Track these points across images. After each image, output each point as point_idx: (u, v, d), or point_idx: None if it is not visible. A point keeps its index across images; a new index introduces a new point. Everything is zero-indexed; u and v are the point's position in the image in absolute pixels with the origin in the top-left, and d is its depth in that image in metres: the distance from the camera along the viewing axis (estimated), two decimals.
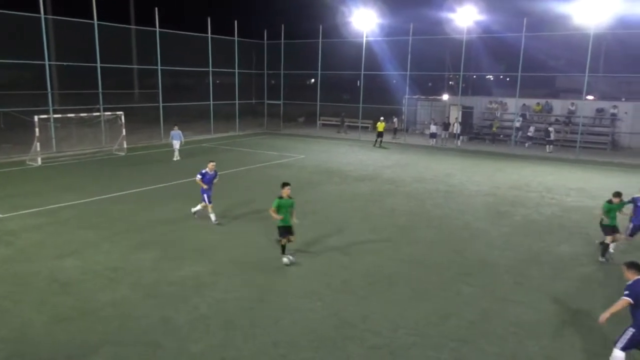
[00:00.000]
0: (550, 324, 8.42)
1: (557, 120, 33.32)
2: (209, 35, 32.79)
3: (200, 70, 34.19)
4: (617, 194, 11.50)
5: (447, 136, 33.02)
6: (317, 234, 12.95)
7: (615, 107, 32.19)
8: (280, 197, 10.67)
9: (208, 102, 34.11)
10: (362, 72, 34.99)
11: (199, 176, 13.44)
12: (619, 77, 39.10)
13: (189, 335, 7.84)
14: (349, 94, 44.32)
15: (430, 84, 47.96)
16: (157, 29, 29.42)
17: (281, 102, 39.57)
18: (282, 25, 37.49)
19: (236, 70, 35.89)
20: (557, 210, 15.86)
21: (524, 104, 34.28)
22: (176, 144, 24.20)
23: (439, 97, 40.20)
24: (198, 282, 9.79)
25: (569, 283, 10.14)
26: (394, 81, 40.00)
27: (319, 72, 36.69)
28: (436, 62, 38.44)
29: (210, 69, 33.56)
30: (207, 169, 13.53)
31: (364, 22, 34.71)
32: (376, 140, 30.87)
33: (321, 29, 35.87)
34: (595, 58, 31.82)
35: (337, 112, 40.21)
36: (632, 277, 6.76)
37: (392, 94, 40.23)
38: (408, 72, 33.91)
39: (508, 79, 40.43)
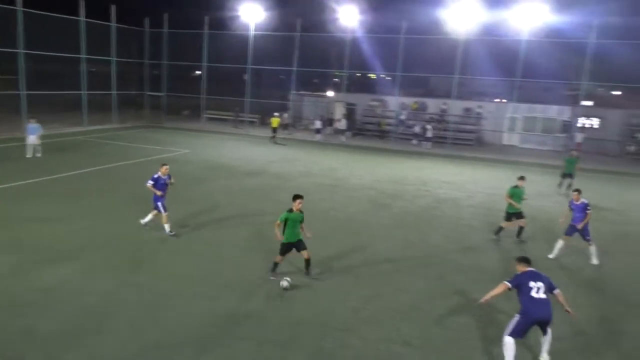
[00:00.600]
0: (426, 307, 9.04)
1: (431, 118, 35.91)
2: (83, 18, 30.23)
3: (72, 57, 31.37)
4: (522, 177, 13.00)
5: (332, 132, 33.98)
6: (202, 230, 12.61)
7: (480, 106, 35.54)
8: (290, 211, 9.64)
9: (80, 92, 31.45)
10: (249, 66, 34.72)
11: (150, 182, 12.01)
12: (484, 79, 43.09)
13: (57, 345, 7.18)
14: (235, 87, 43.68)
15: (316, 81, 48.95)
16: (19, 8, 26.39)
17: (164, 94, 37.83)
18: (166, 14, 35.85)
19: (113, 59, 33.57)
20: (431, 202, 17.09)
21: (402, 102, 36.44)
22: (33, 139, 21.23)
23: (324, 94, 41.20)
24: (66, 287, 9.00)
25: (442, 268, 10.97)
26: (282, 76, 40.25)
27: (205, 64, 35.71)
28: (322, 60, 39.35)
29: (83, 55, 30.97)
30: (160, 173, 12.11)
31: (251, 15, 34.40)
32: (273, 137, 30.75)
33: (207, 20, 34.89)
34: (465, 61, 34.75)
35: (222, 105, 39.42)
36: (522, 269, 7.40)
37: (279, 89, 40.42)
38: (295, 68, 34.30)
39: (389, 78, 42.65)
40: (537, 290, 7.05)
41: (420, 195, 18.10)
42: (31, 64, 30.20)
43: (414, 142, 33.06)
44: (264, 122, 37.71)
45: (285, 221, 9.59)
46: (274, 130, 30.76)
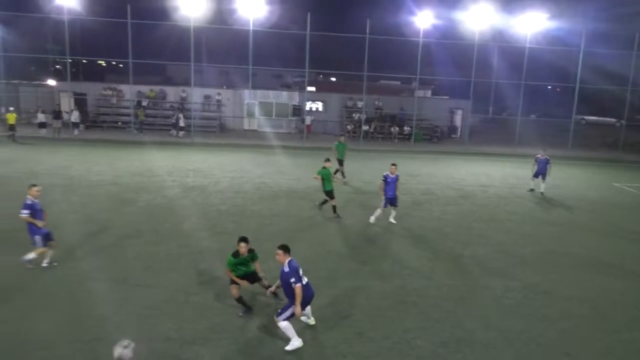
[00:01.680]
0: (179, 297, 8.96)
1: (171, 106, 35.23)
2: None
3: None
4: (327, 160, 14.67)
5: (60, 125, 30.09)
6: None
7: (219, 94, 36.42)
8: (236, 255, 8.26)
9: None
10: None
11: (25, 212, 9.41)
12: (220, 67, 44.21)
13: None
14: None
15: (32, 68, 42.54)
16: None
17: None
18: None
19: None
20: (179, 192, 16.87)
21: (139, 91, 34.70)
22: None
23: (44, 83, 36.15)
24: None
25: (195, 256, 10.98)
26: None
27: None
28: (34, 44, 34.29)
29: None
30: (31, 197, 9.56)
31: None
32: (12, 134, 26.06)
33: None
34: (198, 50, 34.94)
35: None
36: (284, 259, 7.38)
37: None
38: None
39: (121, 65, 39.99)
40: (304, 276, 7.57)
41: (167, 186, 17.69)
42: None
43: (173, 132, 31.89)
44: None
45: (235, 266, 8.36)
46: (12, 127, 26.21)
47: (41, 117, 29.30)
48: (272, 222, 13.80)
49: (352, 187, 18.83)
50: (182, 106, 34.65)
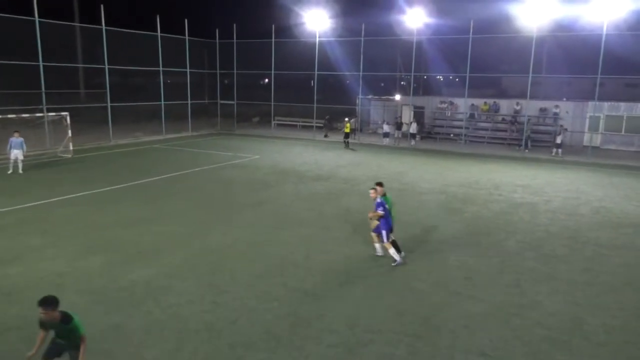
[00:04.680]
0: (499, 315, 8.73)
1: (503, 119, 34.63)
2: (159, 33, 32.00)
3: (150, 70, 33.31)
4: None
5: (399, 135, 33.57)
6: (271, 233, 12.91)
7: (557, 106, 33.75)
8: None
9: (159, 102, 33.28)
10: (316, 72, 35.12)
11: (380, 209, 10.66)
12: (560, 77, 40.93)
13: (142, 341, 7.63)
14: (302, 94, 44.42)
15: (382, 84, 48.68)
16: (103, 27, 28.44)
17: (234, 102, 39.16)
18: (234, 25, 37.14)
19: (187, 70, 35.20)
20: (506, 207, 16.44)
21: (472, 104, 35.40)
22: (16, 154, 19.92)
23: (391, 97, 40.87)
24: (150, 286, 9.54)
25: (515, 275, 10.53)
26: (347, 81, 40.40)
27: (272, 72, 36.53)
28: (388, 63, 39.13)
29: (161, 68, 32.73)
30: (376, 195, 10.91)
31: (317, 23, 34.84)
32: (345, 142, 30.98)
33: (274, 29, 35.73)
34: (538, 59, 33.23)
35: (291, 112, 40.19)
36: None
37: (345, 94, 40.61)
38: (361, 73, 34.29)
39: (457, 80, 41.61)
40: None
41: (493, 199, 17.48)
42: (116, 78, 32.29)
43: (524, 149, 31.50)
44: (332, 128, 38.07)
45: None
46: (347, 135, 31.00)
47: (386, 128, 33.23)
48: (612, 254, 11.96)
49: None
50: (514, 119, 33.63)
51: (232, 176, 20.61)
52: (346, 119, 31.84)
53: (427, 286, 9.91)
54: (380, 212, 10.61)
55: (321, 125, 37.25)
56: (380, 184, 11.02)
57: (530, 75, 29.18)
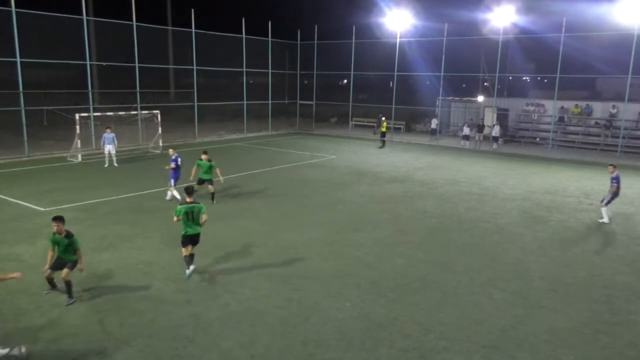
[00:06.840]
0: (585, 332, 8.17)
1: (596, 123, 32.32)
2: (244, 35, 33.16)
3: (234, 71, 34.61)
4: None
5: (481, 138, 32.32)
6: (346, 234, 12.95)
7: None
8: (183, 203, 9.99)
9: (241, 102, 34.50)
10: (396, 73, 34.74)
11: None
12: None
13: (220, 331, 7.95)
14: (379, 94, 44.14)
15: (464, 85, 47.19)
16: (193, 30, 29.95)
17: (313, 102, 39.71)
18: (316, 26, 37.62)
19: (269, 71, 36.17)
20: (595, 217, 15.34)
21: (562, 107, 33.36)
22: (109, 148, 21.38)
23: (473, 99, 39.51)
24: (227, 279, 9.92)
25: (606, 291, 9.80)
26: (427, 82, 39.58)
27: (352, 72, 36.60)
28: (471, 63, 37.83)
29: (244, 69, 33.90)
30: None
31: (398, 23, 34.45)
32: (382, 141, 30.65)
33: (354, 30, 35.79)
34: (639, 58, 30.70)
35: (369, 113, 40.04)
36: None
37: (425, 95, 39.83)
38: (442, 73, 33.45)
39: (545, 81, 39.42)
40: None
41: (582, 209, 16.37)
42: (202, 78, 33.92)
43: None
44: (410, 129, 37.47)
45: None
46: (383, 134, 30.52)
47: (466, 130, 32.17)
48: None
49: None
50: (609, 123, 31.26)
51: (308, 175, 20.91)
52: (382, 118, 31.18)
53: (507, 296, 9.48)
54: None
55: (399, 127, 36.80)
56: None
57: (630, 76, 26.99)
